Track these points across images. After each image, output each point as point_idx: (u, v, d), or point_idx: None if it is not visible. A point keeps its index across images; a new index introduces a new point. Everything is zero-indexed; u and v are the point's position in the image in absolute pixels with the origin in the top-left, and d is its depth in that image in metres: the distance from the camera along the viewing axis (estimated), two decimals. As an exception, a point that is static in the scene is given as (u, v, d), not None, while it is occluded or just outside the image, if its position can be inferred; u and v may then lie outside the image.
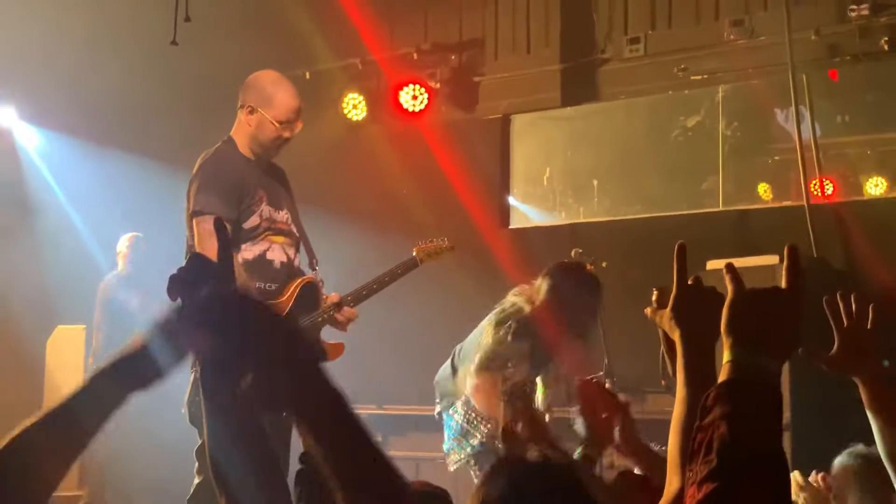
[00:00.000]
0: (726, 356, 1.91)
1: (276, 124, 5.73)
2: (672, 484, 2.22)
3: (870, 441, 5.06)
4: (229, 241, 1.87)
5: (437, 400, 6.61)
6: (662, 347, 2.44)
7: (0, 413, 7.65)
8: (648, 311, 2.45)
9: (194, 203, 5.53)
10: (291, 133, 5.80)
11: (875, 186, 7.95)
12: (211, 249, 2.08)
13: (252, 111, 5.74)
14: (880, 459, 4.31)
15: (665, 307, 2.39)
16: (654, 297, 2.44)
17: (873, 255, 7.15)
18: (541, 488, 2.02)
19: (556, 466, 2.08)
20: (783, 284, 1.95)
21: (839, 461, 4.49)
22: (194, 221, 5.47)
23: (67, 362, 8.82)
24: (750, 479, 1.77)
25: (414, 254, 6.07)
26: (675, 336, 2.35)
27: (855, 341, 3.11)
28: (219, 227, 1.96)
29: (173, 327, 1.72)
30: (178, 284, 1.76)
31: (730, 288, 1.96)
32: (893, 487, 3.69)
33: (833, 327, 3.13)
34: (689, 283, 2.39)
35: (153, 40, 7.32)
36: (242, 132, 5.79)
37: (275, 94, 5.77)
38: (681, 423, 2.27)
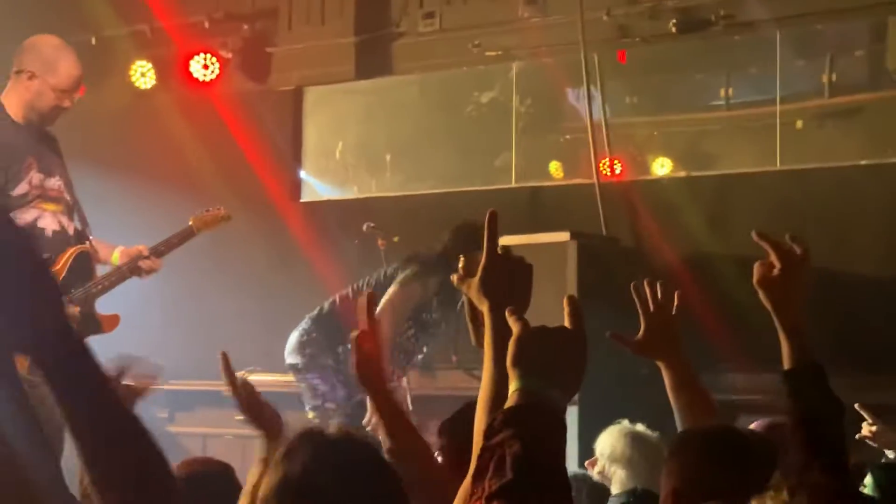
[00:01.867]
0: (513, 385, 1.89)
1: (58, 92, 5.56)
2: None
3: (650, 419, 5.20)
4: None
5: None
6: (467, 316, 2.39)
7: None
8: (455, 278, 2.39)
9: None
10: (71, 102, 5.64)
11: (661, 166, 8.13)
12: None
13: (31, 77, 5.55)
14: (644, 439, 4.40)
15: (472, 276, 2.33)
16: (461, 265, 2.37)
17: (659, 233, 7.31)
18: (343, 463, 1.96)
19: (357, 442, 2.03)
20: (567, 325, 1.96)
21: (607, 441, 4.55)
22: None
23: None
24: (542, 497, 1.78)
25: (190, 223, 5.95)
26: (484, 308, 2.29)
27: (660, 326, 3.14)
28: None
29: None
30: None
31: (514, 328, 1.95)
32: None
33: (640, 311, 3.14)
34: (499, 252, 2.34)
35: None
36: (17, 97, 5.57)
37: (58, 62, 5.59)
38: (489, 399, 2.23)
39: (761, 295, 2.63)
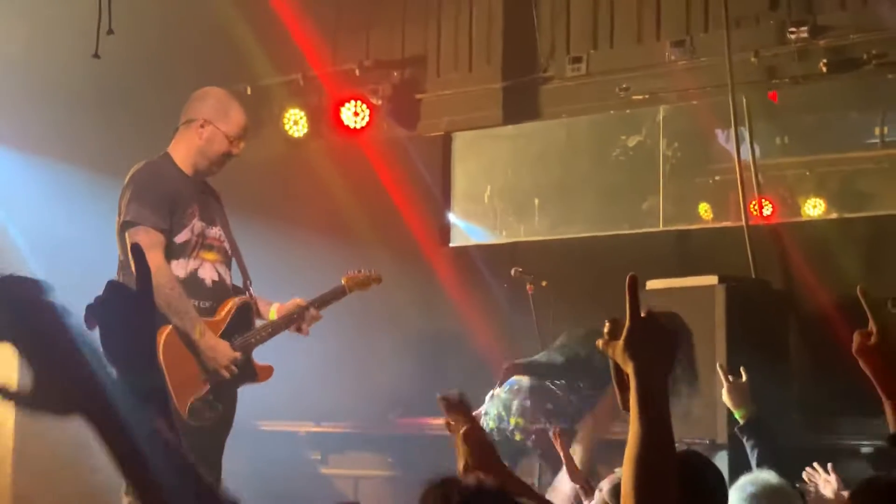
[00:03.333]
0: None
1: (229, 139, 5.74)
2: None
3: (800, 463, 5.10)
4: (148, 268, 1.84)
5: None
6: (613, 379, 2.42)
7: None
8: (600, 342, 2.42)
9: (126, 213, 5.49)
10: (238, 150, 5.82)
11: (813, 207, 8.01)
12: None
13: (204, 125, 5.73)
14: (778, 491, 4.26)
15: (618, 339, 2.37)
16: (606, 329, 2.41)
17: (811, 277, 7.20)
18: None
19: (489, 491, 2.05)
20: None
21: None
22: (127, 234, 5.43)
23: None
24: None
25: (343, 282, 6.09)
26: (629, 369, 2.32)
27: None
28: (136, 251, 1.92)
29: None
30: (95, 312, 1.75)
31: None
32: None
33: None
34: (643, 315, 2.37)
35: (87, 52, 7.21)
36: (186, 146, 5.76)
37: (229, 109, 5.80)
38: (634, 458, 2.25)
39: (861, 363, 2.60)
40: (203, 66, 8.34)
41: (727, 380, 5.27)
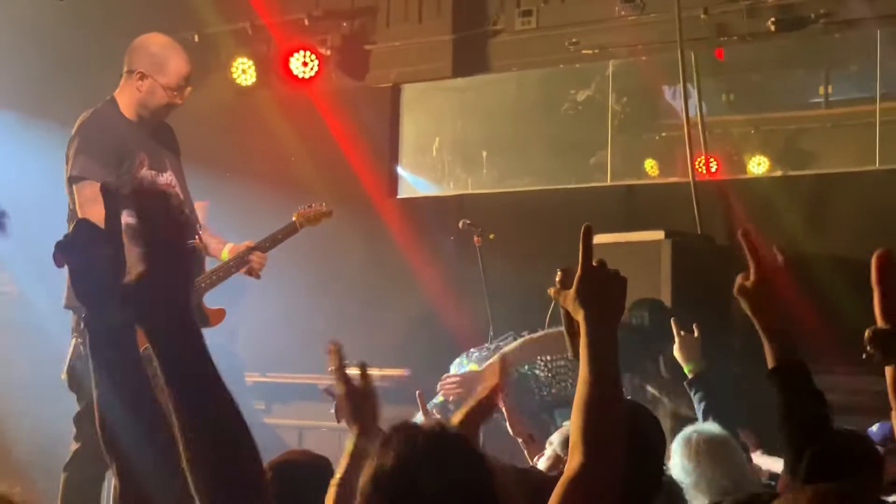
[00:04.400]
0: None
1: (168, 91, 5.66)
2: (573, 459, 2.26)
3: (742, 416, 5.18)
4: (118, 207, 1.86)
5: None
6: (564, 327, 2.46)
7: None
8: (552, 291, 2.47)
9: (73, 167, 5.44)
10: (182, 99, 5.75)
11: (758, 165, 8.08)
12: (94, 214, 2.05)
13: (143, 77, 5.64)
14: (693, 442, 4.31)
15: (569, 288, 2.41)
16: (557, 279, 2.45)
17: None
18: (433, 454, 2.02)
19: (448, 433, 2.08)
20: None
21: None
22: (74, 187, 5.39)
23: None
24: None
25: (293, 219, 6.04)
26: (579, 317, 2.38)
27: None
28: (106, 193, 1.93)
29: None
30: (65, 250, 1.77)
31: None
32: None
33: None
34: (594, 264, 2.41)
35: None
36: (129, 95, 5.69)
37: (167, 60, 5.69)
38: (583, 402, 2.31)
39: (741, 303, 2.71)
40: (150, 14, 8.25)
41: (678, 334, 5.32)
